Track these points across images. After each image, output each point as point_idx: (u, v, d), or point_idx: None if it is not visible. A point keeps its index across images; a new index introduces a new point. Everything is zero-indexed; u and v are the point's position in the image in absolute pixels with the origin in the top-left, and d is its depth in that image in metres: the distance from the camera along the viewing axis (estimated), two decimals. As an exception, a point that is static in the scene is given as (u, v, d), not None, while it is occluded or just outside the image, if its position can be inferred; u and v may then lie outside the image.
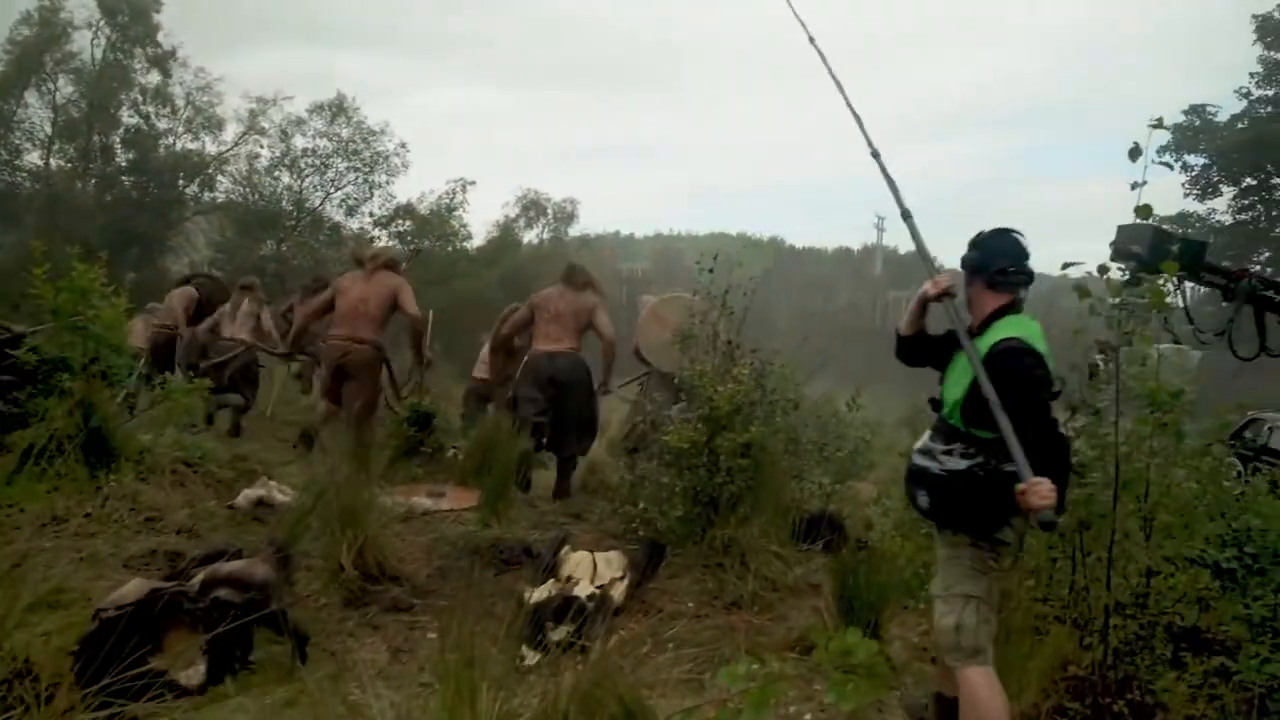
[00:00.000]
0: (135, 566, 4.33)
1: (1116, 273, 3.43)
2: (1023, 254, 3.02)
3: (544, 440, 6.69)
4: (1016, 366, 2.77)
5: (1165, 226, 27.35)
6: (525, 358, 6.81)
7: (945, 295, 3.01)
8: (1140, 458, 3.10)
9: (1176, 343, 4.53)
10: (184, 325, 9.60)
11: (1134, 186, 3.31)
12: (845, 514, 6.02)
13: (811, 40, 3.72)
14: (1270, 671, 3.15)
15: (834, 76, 3.57)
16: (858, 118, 3.49)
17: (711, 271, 5.49)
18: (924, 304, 3.14)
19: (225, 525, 5.14)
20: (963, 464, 2.88)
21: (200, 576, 3.42)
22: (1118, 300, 3.26)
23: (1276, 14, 27.33)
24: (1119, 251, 4.63)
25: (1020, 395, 2.71)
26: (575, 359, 6.60)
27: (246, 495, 5.43)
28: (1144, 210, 3.33)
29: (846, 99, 3.57)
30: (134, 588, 3.28)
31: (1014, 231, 3.07)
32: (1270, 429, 10.11)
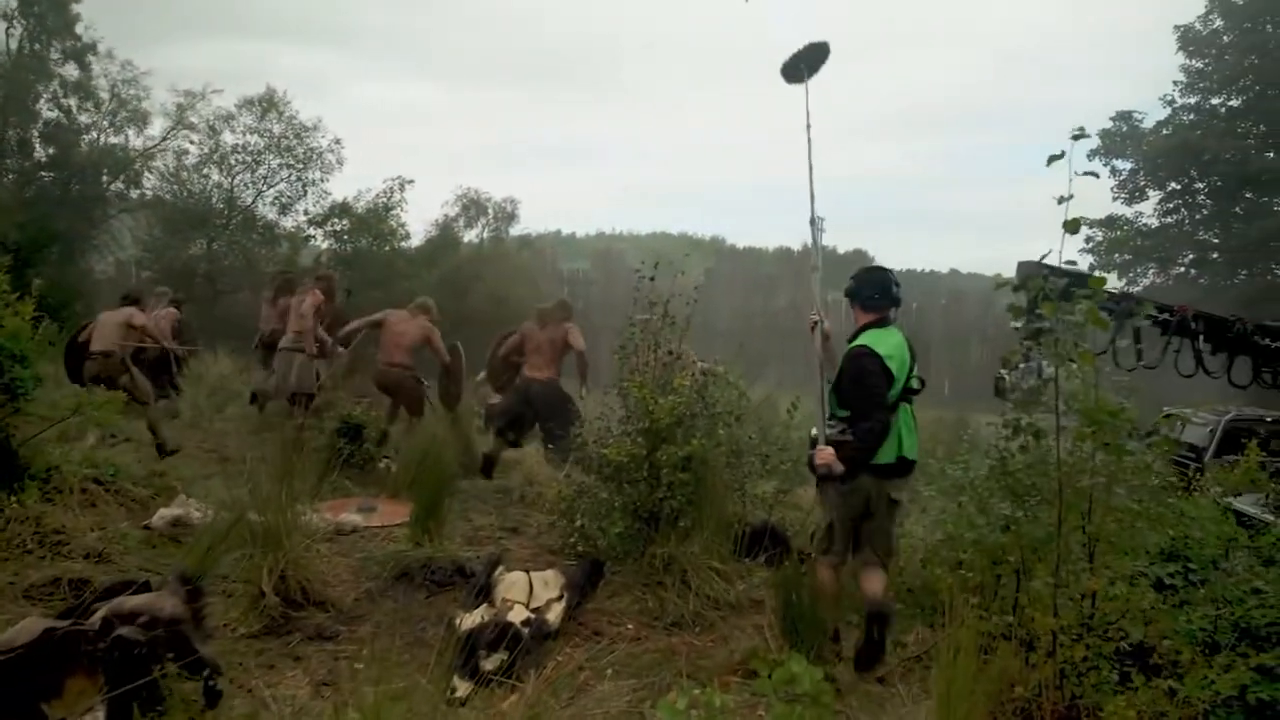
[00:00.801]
0: (37, 597, 4.05)
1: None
2: (887, 285, 4.20)
3: (510, 439, 8.06)
4: (857, 363, 3.97)
5: (1093, 230, 27.97)
6: (517, 379, 8.43)
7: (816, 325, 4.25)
8: (1083, 477, 3.03)
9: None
10: (170, 342, 9.93)
11: (1060, 200, 3.28)
12: (787, 521, 5.95)
13: (808, 127, 4.43)
14: (1217, 689, 3.12)
15: (810, 160, 4.37)
16: (812, 193, 4.37)
17: (653, 279, 5.33)
18: (823, 337, 4.22)
19: (139, 548, 4.85)
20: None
21: (101, 613, 3.17)
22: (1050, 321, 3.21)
23: (1197, 25, 28.30)
24: (1020, 285, 5.28)
25: (855, 381, 3.96)
26: (550, 385, 8.02)
27: (162, 515, 5.14)
28: (1072, 225, 3.30)
29: (811, 181, 4.35)
30: (27, 627, 3.03)
31: (884, 269, 4.39)
32: (1182, 424, 10.75)
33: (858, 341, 4.03)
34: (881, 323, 4.11)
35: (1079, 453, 2.98)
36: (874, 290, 4.14)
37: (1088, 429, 2.90)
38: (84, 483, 5.26)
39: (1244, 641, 3.57)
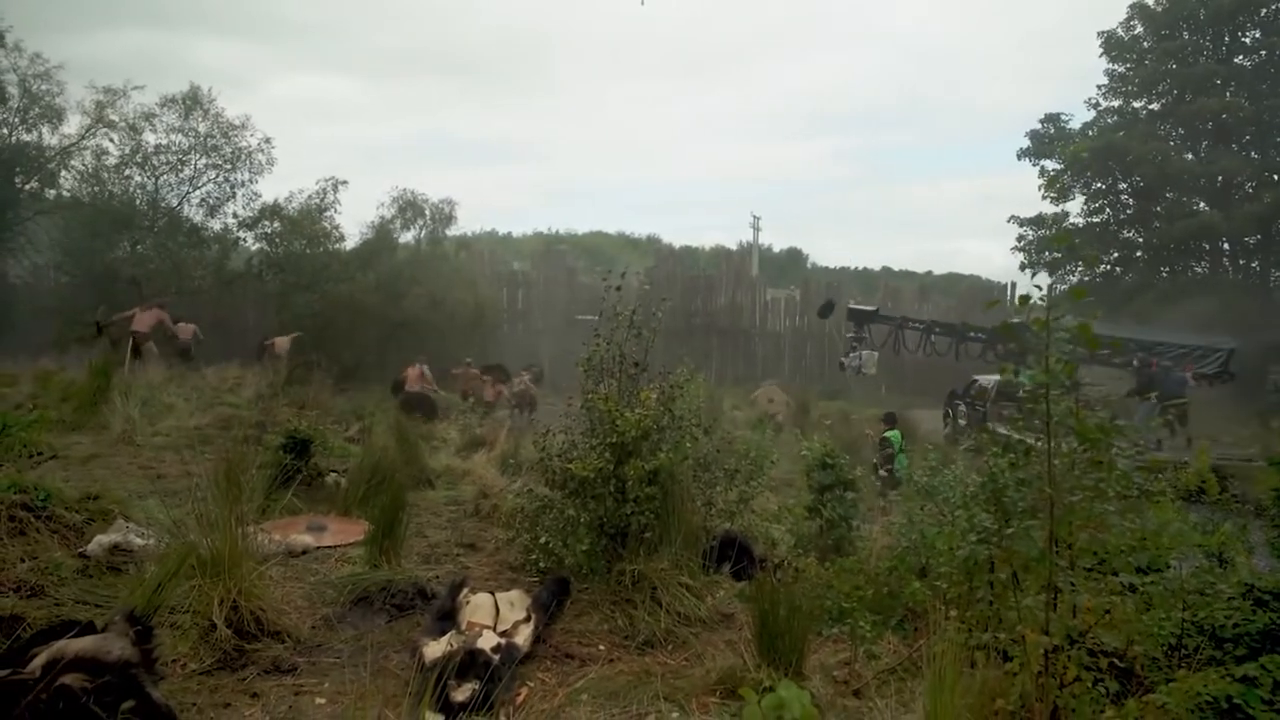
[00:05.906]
0: (-37, 639, 3.75)
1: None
2: (895, 417, 13.11)
3: None
4: (882, 445, 12.17)
5: (1023, 229, 28.71)
6: None
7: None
8: (1073, 492, 3.01)
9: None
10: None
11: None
12: (749, 526, 5.89)
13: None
14: (1201, 699, 3.13)
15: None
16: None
17: (619, 289, 5.20)
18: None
19: (75, 579, 4.54)
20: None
21: (42, 658, 2.93)
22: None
23: (1119, 31, 29.24)
24: (850, 315, 21.70)
25: (879, 450, 12.14)
26: None
27: (100, 541, 4.84)
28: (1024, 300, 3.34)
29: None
30: (-41, 677, 2.79)
31: (894, 416, 13.39)
32: (984, 386, 18.09)
33: (884, 435, 11.98)
34: (892, 427, 12.19)
35: (1073, 468, 2.96)
36: (889, 420, 12.58)
37: (1079, 447, 2.89)
38: (12, 509, 4.92)
39: (1209, 644, 3.61)
